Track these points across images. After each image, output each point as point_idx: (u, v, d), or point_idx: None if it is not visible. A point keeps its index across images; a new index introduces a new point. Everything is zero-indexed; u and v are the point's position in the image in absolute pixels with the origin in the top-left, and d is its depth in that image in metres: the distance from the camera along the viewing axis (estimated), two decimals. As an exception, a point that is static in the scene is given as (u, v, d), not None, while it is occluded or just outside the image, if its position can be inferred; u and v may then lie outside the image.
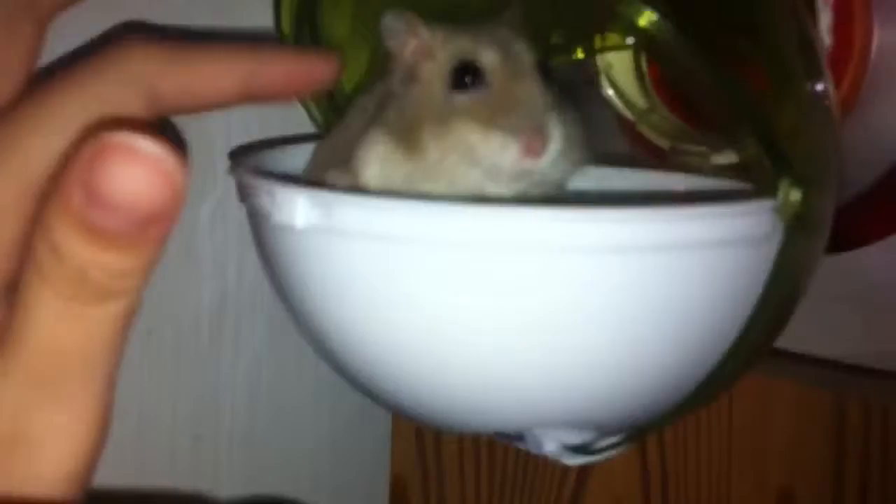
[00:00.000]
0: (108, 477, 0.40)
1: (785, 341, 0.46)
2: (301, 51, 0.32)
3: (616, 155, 0.51)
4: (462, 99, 0.30)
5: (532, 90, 0.30)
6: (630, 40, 0.44)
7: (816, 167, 0.29)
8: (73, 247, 0.18)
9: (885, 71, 0.41)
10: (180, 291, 0.44)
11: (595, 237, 0.26)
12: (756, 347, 0.30)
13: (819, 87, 0.31)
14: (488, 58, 0.30)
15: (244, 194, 0.31)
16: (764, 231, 0.28)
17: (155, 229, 0.18)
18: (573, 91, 0.41)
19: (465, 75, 0.30)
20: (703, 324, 0.29)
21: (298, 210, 0.28)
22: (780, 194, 0.28)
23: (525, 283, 0.27)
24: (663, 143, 0.44)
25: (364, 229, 0.27)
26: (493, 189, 0.30)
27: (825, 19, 0.39)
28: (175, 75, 0.27)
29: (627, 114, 0.45)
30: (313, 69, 0.31)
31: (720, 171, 0.41)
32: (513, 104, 0.30)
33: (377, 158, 0.31)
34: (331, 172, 0.32)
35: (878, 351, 0.45)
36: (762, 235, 0.28)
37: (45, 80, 0.26)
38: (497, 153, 0.29)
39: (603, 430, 0.32)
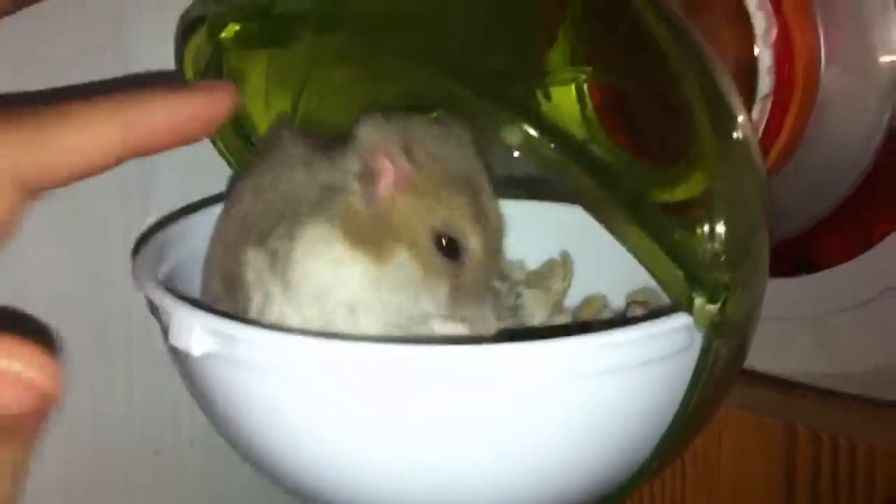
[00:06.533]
0: (65, 493, 0.41)
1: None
2: (190, 88, 0.28)
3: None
4: (441, 261, 0.30)
5: (491, 277, 0.32)
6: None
7: (737, 262, 0.28)
8: None
9: (836, 103, 0.39)
10: (132, 308, 0.43)
11: (515, 371, 0.26)
12: (677, 446, 0.30)
13: (734, 139, 0.30)
14: (475, 243, 0.31)
15: (148, 303, 0.30)
16: (680, 345, 0.27)
17: (21, 425, 0.20)
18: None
19: (447, 241, 0.30)
20: (625, 435, 0.28)
21: (195, 338, 0.27)
22: (696, 309, 0.26)
23: (435, 418, 0.27)
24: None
25: (265, 364, 0.26)
26: None
27: (766, 60, 0.37)
28: (40, 154, 0.25)
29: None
30: (206, 107, 0.27)
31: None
32: (474, 286, 0.31)
33: (325, 256, 0.30)
34: (248, 255, 0.31)
35: (828, 372, 0.45)
36: (679, 349, 0.27)
37: None
38: (442, 324, 0.31)
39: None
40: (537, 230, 0.41)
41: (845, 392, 0.44)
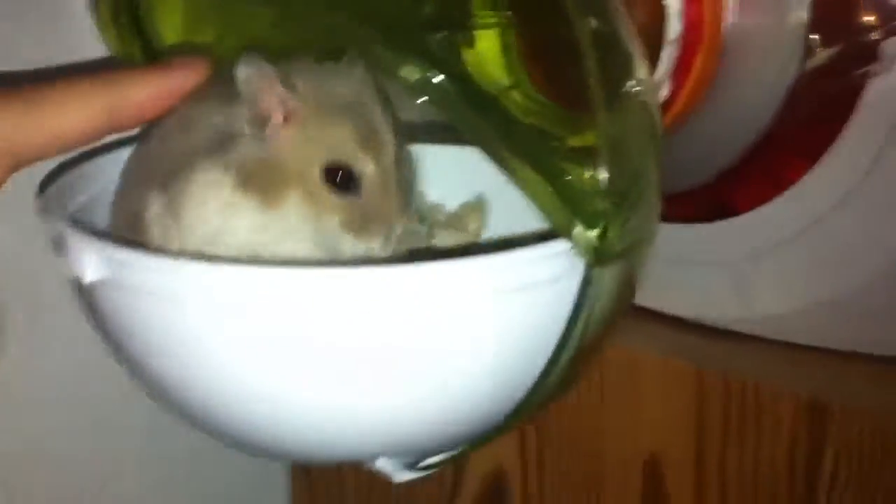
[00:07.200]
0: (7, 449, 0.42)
1: (656, 303, 0.47)
2: (162, 67, 0.31)
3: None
4: (333, 196, 0.31)
5: (392, 201, 0.32)
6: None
7: (620, 193, 0.29)
8: None
9: (744, 52, 0.40)
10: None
11: (393, 293, 0.27)
12: (569, 372, 0.30)
13: (628, 91, 0.31)
14: (367, 168, 0.31)
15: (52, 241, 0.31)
16: (560, 271, 0.28)
17: None
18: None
19: (338, 173, 0.31)
20: (508, 361, 0.29)
21: (87, 264, 0.27)
22: (574, 235, 0.27)
23: (332, 344, 0.28)
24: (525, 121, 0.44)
25: (158, 290, 0.27)
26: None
27: (675, 4, 0.38)
28: (29, 129, 0.27)
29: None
30: (180, 82, 0.30)
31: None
32: (376, 212, 0.32)
33: (215, 201, 0.31)
34: (151, 197, 0.32)
35: (744, 317, 0.46)
36: (559, 275, 0.28)
37: None
38: (353, 250, 0.32)
39: (426, 454, 0.33)
40: (457, 173, 0.42)
41: (761, 336, 0.45)
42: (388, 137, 0.32)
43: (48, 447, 0.47)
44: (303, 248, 0.31)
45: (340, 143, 0.31)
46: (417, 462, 0.33)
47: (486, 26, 0.43)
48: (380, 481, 0.56)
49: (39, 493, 0.48)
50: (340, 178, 0.31)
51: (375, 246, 0.31)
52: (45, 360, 0.46)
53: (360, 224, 0.31)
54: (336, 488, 0.59)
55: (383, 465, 0.32)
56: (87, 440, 0.49)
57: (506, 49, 0.44)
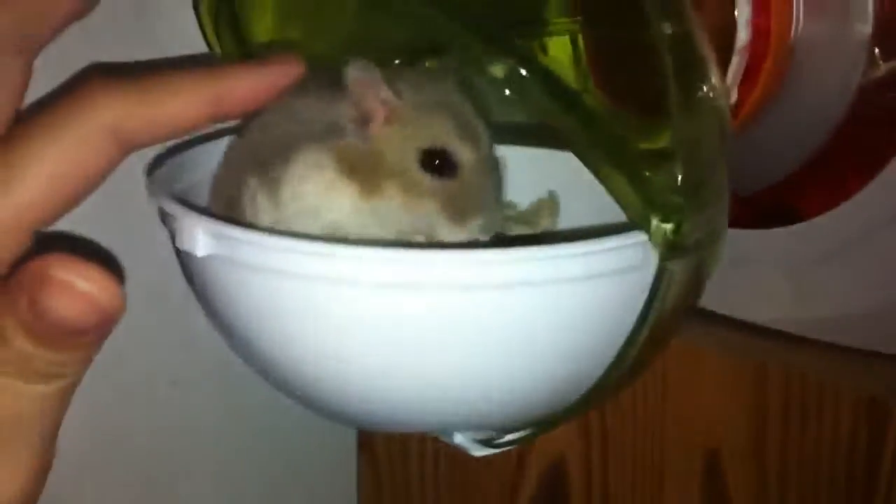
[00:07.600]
0: (86, 418, 0.43)
1: (719, 305, 0.48)
2: (263, 62, 0.33)
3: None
4: (431, 181, 0.33)
5: (489, 188, 0.34)
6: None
7: (693, 190, 0.30)
8: (16, 340, 0.23)
9: (809, 62, 0.41)
10: (148, 245, 0.44)
11: (485, 276, 0.29)
12: (638, 359, 0.32)
13: (702, 93, 0.32)
14: (465, 155, 0.33)
15: (160, 215, 0.33)
16: (634, 261, 0.29)
17: (86, 338, 0.23)
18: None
19: (437, 158, 0.33)
20: (584, 345, 0.31)
21: (199, 240, 0.30)
22: (652, 228, 0.29)
23: (426, 322, 0.29)
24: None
25: (267, 265, 0.29)
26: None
27: (745, 12, 0.40)
28: (142, 115, 0.29)
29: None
30: (276, 79, 0.32)
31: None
32: (473, 198, 0.33)
33: (316, 180, 0.33)
34: (248, 179, 0.34)
35: (807, 318, 0.47)
36: (633, 265, 0.29)
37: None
38: (449, 236, 0.33)
39: (503, 430, 0.35)
40: (529, 174, 0.43)
41: (820, 339, 0.46)
42: (483, 131, 0.34)
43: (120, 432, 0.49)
44: (397, 235, 0.33)
45: (439, 132, 0.33)
46: (492, 440, 0.35)
47: (560, 33, 0.45)
48: (443, 464, 0.58)
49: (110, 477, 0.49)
50: (439, 163, 0.33)
51: (471, 234, 0.33)
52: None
53: (456, 210, 0.33)
54: (400, 470, 0.62)
55: (461, 440, 0.34)
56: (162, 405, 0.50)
57: (576, 55, 0.46)
